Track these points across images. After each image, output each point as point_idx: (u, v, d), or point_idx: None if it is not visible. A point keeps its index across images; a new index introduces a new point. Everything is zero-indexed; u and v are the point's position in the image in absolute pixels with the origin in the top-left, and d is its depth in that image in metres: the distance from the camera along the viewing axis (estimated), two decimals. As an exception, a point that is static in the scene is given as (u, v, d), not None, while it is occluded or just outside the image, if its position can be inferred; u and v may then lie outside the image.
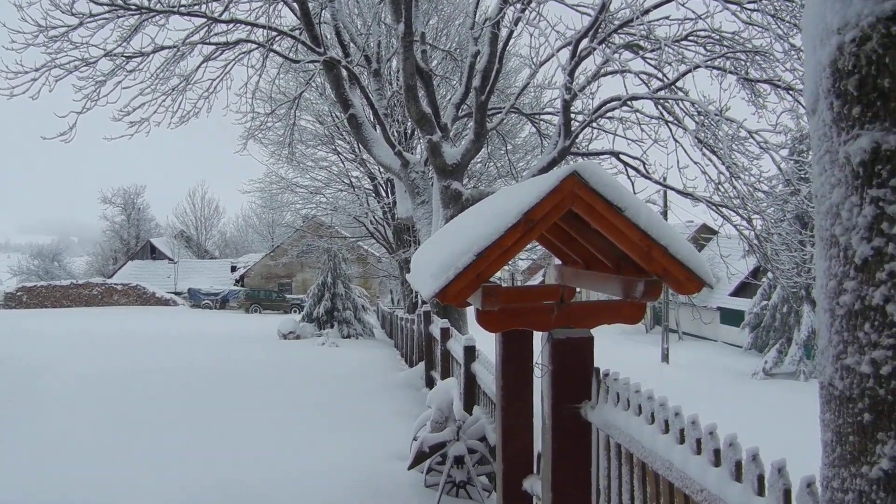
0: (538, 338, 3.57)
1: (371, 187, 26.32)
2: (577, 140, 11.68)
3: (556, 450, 3.34)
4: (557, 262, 4.45)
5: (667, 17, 10.48)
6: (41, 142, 11.16)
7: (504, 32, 11.25)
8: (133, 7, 10.21)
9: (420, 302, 16.57)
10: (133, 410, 8.42)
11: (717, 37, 10.61)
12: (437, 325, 8.95)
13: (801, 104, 10.18)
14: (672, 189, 12.06)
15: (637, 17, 9.59)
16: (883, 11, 1.03)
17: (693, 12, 10.15)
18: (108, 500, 5.36)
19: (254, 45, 11.95)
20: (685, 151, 11.31)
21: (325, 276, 22.52)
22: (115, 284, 43.59)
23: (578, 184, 2.88)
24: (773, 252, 11.64)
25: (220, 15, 11.21)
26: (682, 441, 2.39)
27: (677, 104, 11.27)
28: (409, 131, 21.41)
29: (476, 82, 11.11)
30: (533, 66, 11.76)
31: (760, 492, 1.93)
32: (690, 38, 10.81)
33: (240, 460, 6.32)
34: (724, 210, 11.27)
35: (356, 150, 23.41)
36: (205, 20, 11.29)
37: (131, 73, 11.05)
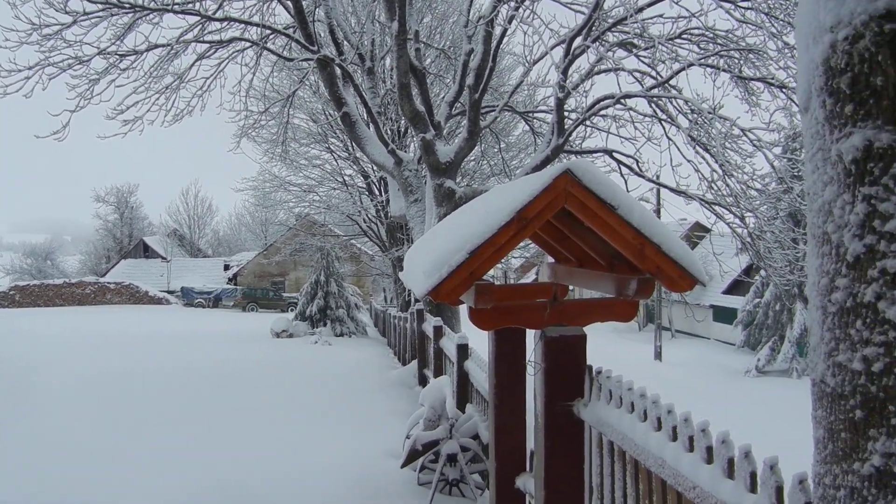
0: (531, 336, 3.57)
1: (364, 185, 26.29)
2: (570, 138, 11.70)
3: (549, 447, 3.34)
4: (550, 260, 4.45)
5: (660, 16, 10.52)
6: (34, 140, 11.12)
7: (498, 31, 11.26)
8: (127, 5, 10.17)
9: (413, 300, 16.55)
10: (133, 410, 8.39)
11: (711, 35, 10.64)
12: (430, 323, 8.93)
13: (794, 102, 10.21)
14: (665, 187, 12.10)
15: (631, 16, 9.61)
16: (876, 9, 1.03)
17: (687, 10, 10.19)
18: (108, 500, 5.34)
19: (248, 44, 11.92)
20: (678, 149, 11.33)
21: (318, 274, 22.50)
22: (108, 283, 43.39)
23: (571, 182, 2.87)
24: (766, 250, 11.68)
25: (214, 13, 11.19)
26: (674, 438, 2.40)
27: (671, 102, 11.29)
28: (403, 129, 21.39)
29: (470, 80, 11.12)
30: (527, 65, 11.77)
31: (753, 489, 1.93)
32: (684, 36, 10.85)
33: (240, 460, 6.31)
34: (717, 208, 11.31)
35: (349, 148, 23.39)
36: (199, 18, 11.27)
37: (125, 72, 11.03)
